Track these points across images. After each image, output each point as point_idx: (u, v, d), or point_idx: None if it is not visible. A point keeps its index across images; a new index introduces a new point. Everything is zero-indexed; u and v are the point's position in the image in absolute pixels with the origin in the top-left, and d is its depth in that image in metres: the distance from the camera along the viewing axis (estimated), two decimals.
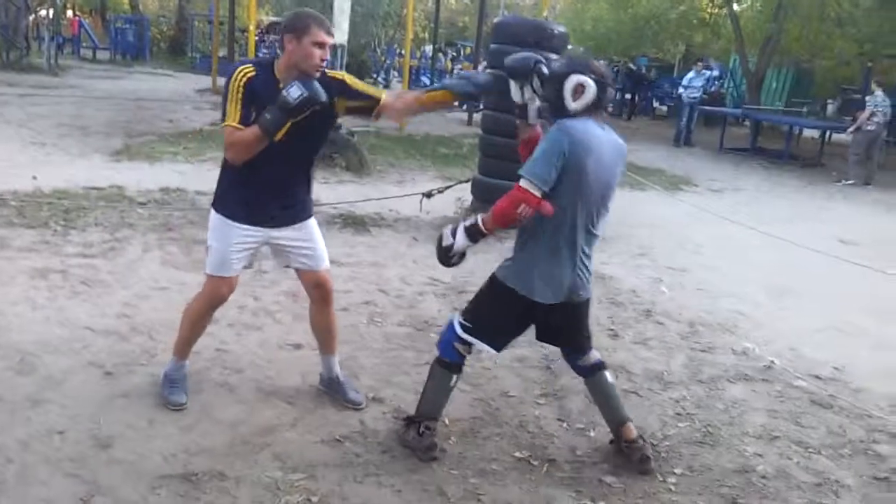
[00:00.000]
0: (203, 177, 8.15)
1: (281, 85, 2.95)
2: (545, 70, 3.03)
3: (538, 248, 3.00)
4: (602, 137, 2.96)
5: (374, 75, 25.68)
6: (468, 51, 30.09)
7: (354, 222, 6.74)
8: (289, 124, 2.94)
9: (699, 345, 4.71)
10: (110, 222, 6.04)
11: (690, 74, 16.77)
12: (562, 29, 7.02)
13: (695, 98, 16.31)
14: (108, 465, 2.91)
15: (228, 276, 3.28)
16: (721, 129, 16.28)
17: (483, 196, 7.09)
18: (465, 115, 16.82)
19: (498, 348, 3.25)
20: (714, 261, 6.79)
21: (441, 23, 28.12)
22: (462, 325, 3.15)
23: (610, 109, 20.14)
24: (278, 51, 3.16)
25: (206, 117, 12.95)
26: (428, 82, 21.72)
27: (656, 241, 7.39)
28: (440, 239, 3.08)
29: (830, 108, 20.47)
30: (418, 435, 3.19)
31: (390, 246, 6.27)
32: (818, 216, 9.75)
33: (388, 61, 27.38)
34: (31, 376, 3.52)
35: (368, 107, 3.21)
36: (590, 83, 2.91)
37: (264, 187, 3.17)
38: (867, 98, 13.24)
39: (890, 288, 6.24)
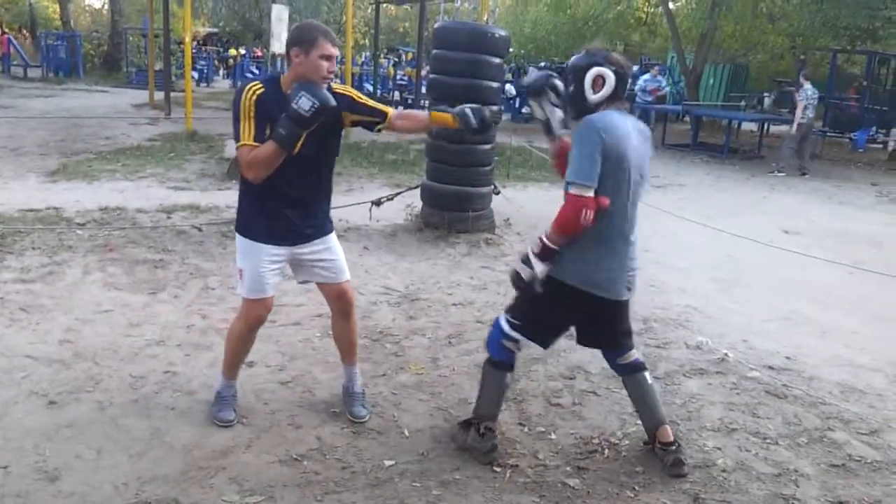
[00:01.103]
0: (143, 193, 7.98)
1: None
2: (559, 83, 3.09)
3: (591, 241, 2.95)
4: (628, 124, 2.97)
5: None
6: (410, 56, 30.09)
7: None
8: (303, 136, 2.93)
9: (654, 341, 4.74)
10: (48, 245, 5.83)
11: (646, 76, 17.11)
12: (502, 32, 7.02)
13: (649, 101, 16.70)
14: (55, 499, 2.80)
15: (265, 298, 3.28)
16: (663, 127, 16.57)
17: (432, 201, 7.06)
18: None
19: (545, 345, 3.26)
20: (663, 257, 6.86)
21: (381, 29, 28.06)
22: (510, 323, 3.14)
23: None
24: (284, 66, 3.20)
25: (144, 133, 12.67)
26: (370, 89, 21.62)
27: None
28: (517, 276, 3.05)
29: (767, 101, 20.99)
30: (479, 436, 3.22)
31: None
32: (761, 207, 9.96)
33: None
34: None
35: (374, 122, 3.30)
36: (609, 74, 2.93)
37: (287, 205, 3.17)
38: (798, 92, 13.59)
39: (832, 276, 6.39)
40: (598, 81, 2.94)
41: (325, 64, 2.99)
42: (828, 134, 17.16)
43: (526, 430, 3.54)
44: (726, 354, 4.55)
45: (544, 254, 2.96)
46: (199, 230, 6.53)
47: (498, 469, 3.19)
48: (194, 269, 5.51)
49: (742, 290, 6.05)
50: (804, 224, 8.92)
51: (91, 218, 6.76)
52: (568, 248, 2.96)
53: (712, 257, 6.93)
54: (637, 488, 3.09)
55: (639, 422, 3.63)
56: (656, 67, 18.00)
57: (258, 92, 2.98)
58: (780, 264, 6.65)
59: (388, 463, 3.17)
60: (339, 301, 3.46)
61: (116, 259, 5.61)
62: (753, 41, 21.20)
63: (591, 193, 2.82)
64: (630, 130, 2.96)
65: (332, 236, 3.41)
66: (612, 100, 2.97)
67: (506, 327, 3.16)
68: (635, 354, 3.31)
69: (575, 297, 3.00)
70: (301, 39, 2.97)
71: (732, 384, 4.17)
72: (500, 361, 3.22)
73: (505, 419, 3.61)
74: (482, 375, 3.29)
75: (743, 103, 19.15)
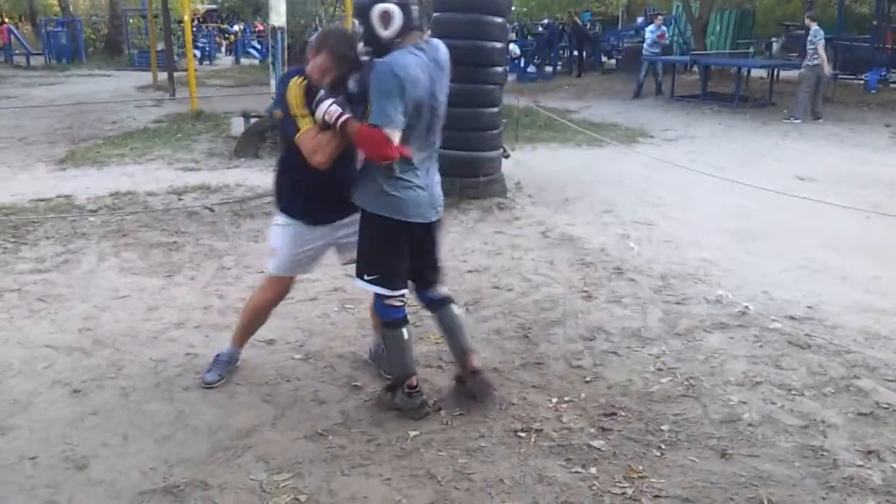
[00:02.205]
0: (153, 176, 7.97)
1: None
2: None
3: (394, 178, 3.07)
4: (421, 59, 2.99)
5: None
6: None
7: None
8: None
9: (673, 297, 4.71)
10: (61, 234, 5.84)
11: (651, 27, 16.83)
12: None
13: (656, 52, 16.43)
14: (85, 487, 2.82)
15: (291, 277, 3.44)
16: (671, 78, 16.34)
17: (441, 168, 6.97)
18: None
19: (404, 286, 3.28)
20: (677, 211, 6.80)
21: None
22: (368, 282, 3.22)
23: (559, 68, 20.15)
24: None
25: (150, 115, 12.63)
26: None
27: (618, 196, 7.38)
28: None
29: (775, 47, 20.65)
30: (406, 396, 3.30)
31: None
32: (774, 155, 9.83)
33: None
34: None
35: None
36: (394, 8, 2.94)
37: (325, 182, 3.19)
38: (808, 33, 13.31)
39: (849, 222, 6.31)
40: (385, 17, 2.94)
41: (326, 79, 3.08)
42: (839, 76, 16.86)
43: (548, 393, 3.53)
44: (746, 307, 4.51)
45: (340, 124, 2.97)
46: (211, 210, 6.53)
47: (522, 434, 3.18)
48: (208, 250, 5.50)
49: (758, 240, 5.99)
50: (819, 170, 8.80)
51: (102, 204, 6.76)
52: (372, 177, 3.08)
53: (726, 209, 6.85)
54: (663, 447, 3.08)
55: (662, 380, 3.64)
56: (659, 17, 17.68)
57: (303, 83, 3.05)
58: (795, 212, 6.57)
59: (412, 433, 3.17)
60: None
61: (130, 244, 5.62)
62: None
63: (397, 138, 2.90)
64: (422, 68, 2.97)
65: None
66: (406, 32, 2.97)
67: (371, 287, 3.22)
68: (444, 289, 3.46)
69: (399, 228, 3.12)
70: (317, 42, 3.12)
71: (754, 336, 4.13)
72: (391, 320, 3.25)
73: (527, 384, 3.61)
74: (383, 340, 3.39)
75: (751, 50, 18.84)
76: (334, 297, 4.67)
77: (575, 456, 3.03)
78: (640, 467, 2.93)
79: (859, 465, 2.95)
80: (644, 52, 16.56)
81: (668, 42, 17.74)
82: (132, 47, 25.33)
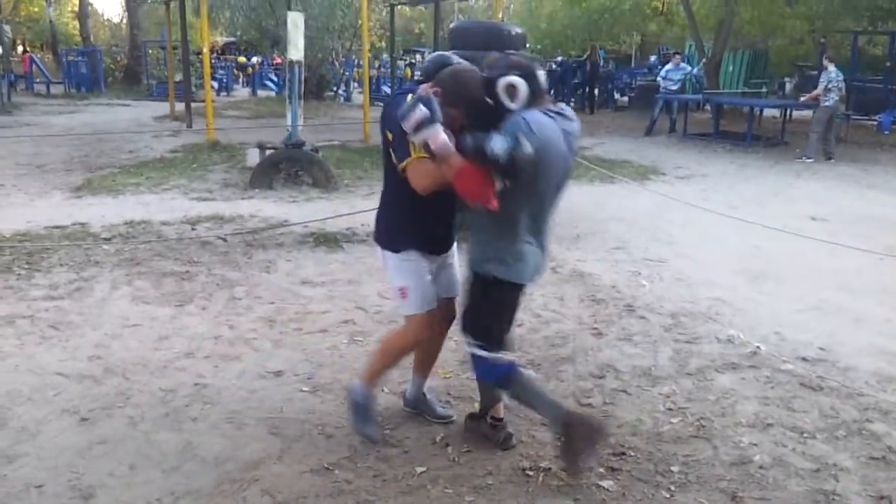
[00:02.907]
0: (167, 206, 8.04)
1: None
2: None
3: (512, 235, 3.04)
4: (552, 123, 2.94)
5: (335, 88, 25.56)
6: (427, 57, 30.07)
7: (326, 240, 6.64)
8: None
9: (684, 336, 4.68)
10: (75, 261, 5.88)
11: (668, 66, 16.96)
12: (518, 29, 6.98)
13: (674, 90, 16.55)
14: None
15: (432, 311, 3.24)
16: (684, 117, 16.40)
17: None
18: None
19: (499, 351, 3.18)
20: (689, 249, 6.79)
21: (397, 31, 28.07)
22: (482, 347, 3.12)
23: (572, 104, 20.28)
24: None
25: (167, 145, 12.77)
26: (388, 91, 21.62)
27: (630, 233, 7.37)
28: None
29: (788, 87, 20.71)
30: (492, 429, 3.34)
31: (365, 261, 6.18)
32: (787, 195, 9.81)
33: (346, 73, 27.27)
34: (3, 430, 3.39)
35: None
36: (518, 80, 2.88)
37: (436, 213, 3.13)
38: (821, 74, 13.36)
39: (862, 263, 6.28)
40: (512, 91, 2.88)
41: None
42: (852, 117, 16.86)
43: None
44: (758, 347, 4.48)
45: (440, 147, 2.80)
46: (224, 240, 6.57)
47: (531, 473, 3.16)
48: (220, 280, 5.53)
49: (771, 280, 5.96)
50: (832, 210, 8.77)
51: (117, 232, 6.82)
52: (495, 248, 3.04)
53: (739, 248, 6.83)
54: (673, 488, 3.04)
55: (672, 420, 3.61)
56: (677, 56, 17.80)
57: None
58: (808, 253, 6.54)
59: (419, 469, 3.16)
60: (448, 312, 3.41)
61: (143, 272, 5.65)
62: (772, 26, 20.85)
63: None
64: (552, 131, 2.91)
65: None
66: (535, 101, 2.92)
67: (479, 352, 3.12)
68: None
69: (514, 290, 3.12)
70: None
71: (766, 377, 4.10)
72: (506, 375, 3.14)
73: (535, 420, 3.58)
74: (517, 399, 3.24)
75: (764, 89, 18.90)
76: (344, 329, 4.67)
77: (583, 496, 3.00)
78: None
79: None
80: (661, 89, 16.63)
81: (694, 74, 17.81)
82: (151, 78, 25.68)
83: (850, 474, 3.17)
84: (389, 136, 3.02)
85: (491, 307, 3.12)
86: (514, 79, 2.88)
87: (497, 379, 3.17)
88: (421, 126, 2.75)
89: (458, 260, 3.39)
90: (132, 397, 3.73)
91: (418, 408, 3.61)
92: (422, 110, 2.74)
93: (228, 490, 3.00)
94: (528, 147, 2.73)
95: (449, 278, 3.37)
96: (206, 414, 3.59)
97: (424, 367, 3.58)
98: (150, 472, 3.10)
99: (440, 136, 2.77)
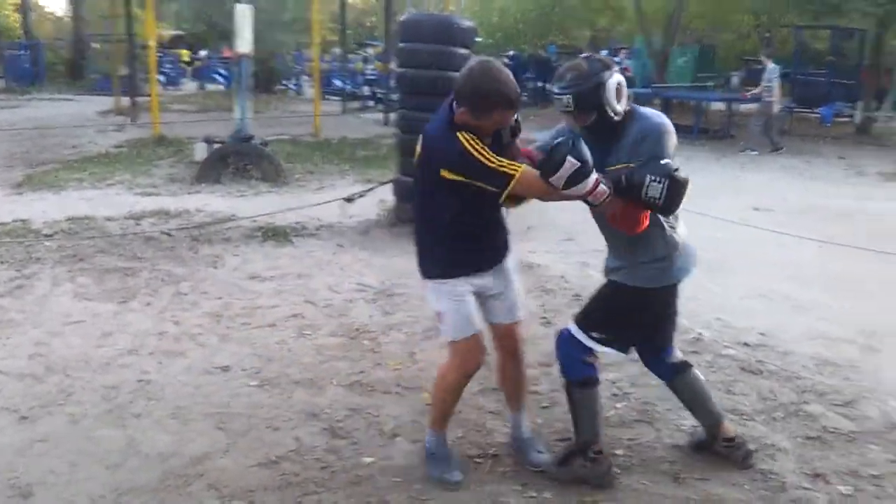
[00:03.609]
0: (111, 201, 7.89)
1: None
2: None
3: (661, 241, 2.88)
4: None
5: (285, 82, 25.29)
6: (379, 50, 29.92)
7: (275, 234, 6.58)
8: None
9: None
10: (16, 258, 5.74)
11: (616, 59, 17.17)
12: (468, 23, 7.00)
13: None
14: None
15: (476, 334, 2.96)
16: None
17: (405, 196, 7.02)
18: (381, 116, 16.72)
19: (627, 350, 3.08)
20: None
21: (348, 24, 27.88)
22: (595, 339, 2.92)
23: (524, 99, 20.37)
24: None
25: (111, 140, 12.51)
26: (340, 84, 21.48)
27: (579, 225, 7.42)
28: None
29: (735, 81, 21.09)
30: (590, 462, 2.99)
31: (315, 255, 6.15)
32: (732, 187, 10.02)
33: (297, 67, 27.01)
34: None
35: None
36: (621, 77, 2.69)
37: (474, 232, 2.90)
38: (764, 71, 13.67)
39: (804, 252, 6.45)
40: (621, 90, 2.68)
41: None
42: (795, 110, 17.29)
43: (505, 420, 3.52)
44: (701, 333, 4.58)
45: (600, 195, 2.61)
46: (169, 235, 6.47)
47: (479, 460, 3.19)
48: (165, 276, 5.44)
49: (715, 269, 6.06)
50: (776, 201, 8.99)
51: (59, 228, 6.66)
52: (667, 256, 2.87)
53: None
54: (618, 471, 3.09)
55: (617, 405, 3.67)
56: (623, 51, 18.10)
57: (476, 140, 2.66)
58: (752, 242, 6.70)
59: (367, 460, 3.16)
60: (507, 339, 3.13)
61: (86, 269, 5.53)
62: (719, 21, 21.32)
63: None
64: None
65: (508, 263, 3.07)
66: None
67: (588, 342, 2.92)
68: (679, 353, 3.19)
69: (672, 293, 2.98)
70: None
71: (707, 363, 4.19)
72: (587, 379, 2.97)
73: (485, 410, 3.61)
74: (571, 402, 3.02)
75: (711, 83, 19.24)
76: (293, 323, 4.64)
77: (531, 481, 3.03)
78: (595, 492, 2.94)
79: (806, 488, 3.00)
80: None
81: (631, 75, 18.05)
82: (95, 72, 25.08)
83: (787, 454, 3.26)
84: (449, 175, 2.67)
85: (628, 313, 2.95)
86: (619, 77, 2.68)
87: (573, 374, 2.97)
88: (574, 181, 2.52)
89: (517, 278, 3.11)
90: (74, 394, 3.65)
91: (516, 449, 3.24)
92: (571, 163, 2.48)
93: (173, 485, 2.96)
94: (683, 174, 2.59)
95: (505, 301, 3.04)
96: (149, 410, 3.54)
97: (508, 400, 3.26)
98: (93, 469, 3.05)
99: (599, 187, 2.56)
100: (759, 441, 3.35)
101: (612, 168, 2.71)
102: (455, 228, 2.84)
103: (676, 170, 2.60)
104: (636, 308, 2.92)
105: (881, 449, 3.32)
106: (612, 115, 2.69)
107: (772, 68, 13.18)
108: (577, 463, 3.00)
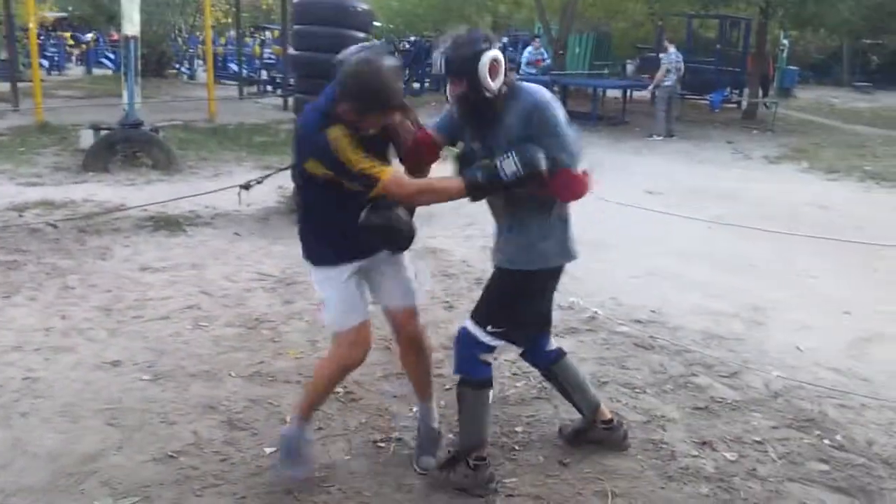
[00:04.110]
0: None
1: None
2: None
3: (556, 217, 2.84)
4: None
5: (177, 66, 24.44)
6: (276, 34, 29.30)
7: (168, 223, 6.37)
8: None
9: None
10: None
11: (529, 49, 17.45)
12: (365, 6, 6.93)
13: (533, 73, 17.01)
14: None
15: (359, 325, 2.85)
16: None
17: None
18: (279, 101, 16.41)
19: (528, 343, 3.01)
20: None
21: (244, 6, 27.18)
22: (490, 333, 2.81)
23: (426, 85, 20.26)
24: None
25: None
26: (236, 69, 20.91)
27: (481, 211, 7.50)
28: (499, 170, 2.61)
29: (630, 68, 21.77)
30: (471, 470, 2.85)
31: (210, 244, 5.99)
32: (627, 171, 10.33)
33: (190, 50, 26.14)
34: None
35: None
36: (499, 54, 2.59)
37: (352, 219, 2.73)
38: (661, 56, 14.16)
39: (692, 232, 6.73)
40: (495, 67, 2.58)
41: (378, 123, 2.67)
42: (686, 96, 17.98)
43: (408, 403, 3.55)
44: (596, 312, 4.73)
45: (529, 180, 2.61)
46: (55, 227, 6.17)
47: (382, 444, 3.20)
48: (51, 269, 5.19)
49: (609, 250, 6.28)
50: (667, 184, 9.34)
51: None
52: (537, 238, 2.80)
53: (580, 221, 7.03)
54: (517, 448, 3.17)
55: (517, 384, 3.74)
56: (537, 40, 18.44)
57: (348, 136, 2.58)
58: (644, 224, 6.93)
59: (268, 450, 3.11)
60: (406, 326, 3.02)
61: None
62: (614, 9, 21.86)
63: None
64: None
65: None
66: (507, 78, 2.66)
67: (485, 338, 2.81)
68: (553, 339, 3.17)
69: (550, 277, 2.88)
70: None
71: (603, 340, 4.34)
72: (483, 380, 2.86)
73: (387, 393, 3.63)
74: (460, 402, 2.89)
75: (607, 71, 19.77)
76: (188, 314, 4.52)
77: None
78: (496, 468, 3.00)
79: (694, 456, 3.15)
80: (521, 71, 17.06)
81: (545, 64, 18.27)
82: None
83: (677, 424, 3.42)
84: (314, 168, 2.64)
85: (518, 298, 2.86)
86: (497, 53, 2.58)
87: (466, 371, 2.87)
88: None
89: (410, 263, 3.03)
90: None
91: (418, 441, 3.15)
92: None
93: (64, 484, 2.85)
94: (541, 160, 2.55)
95: (399, 285, 2.97)
96: (36, 408, 3.38)
97: (417, 391, 3.17)
98: None
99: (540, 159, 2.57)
100: (649, 413, 3.50)
101: (498, 146, 2.67)
102: (328, 217, 2.80)
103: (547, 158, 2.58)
104: (523, 293, 2.85)
105: (763, 416, 3.53)
106: (484, 90, 2.59)
107: (672, 52, 13.67)
108: (459, 470, 2.88)
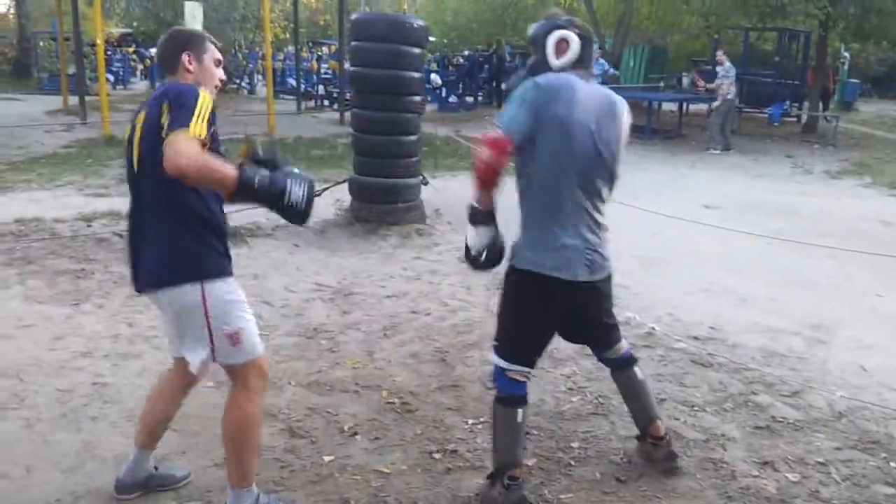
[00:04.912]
0: (61, 202, 7.74)
1: None
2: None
3: (537, 218, 2.75)
4: (585, 88, 2.69)
5: (237, 81, 25.02)
6: (333, 49, 29.80)
7: (230, 235, 6.51)
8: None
9: None
10: None
11: (601, 61, 17.38)
12: (420, 22, 7.04)
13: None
14: None
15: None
16: None
17: (361, 195, 7.04)
18: (336, 115, 16.66)
19: (532, 364, 2.89)
20: None
21: (301, 22, 27.70)
22: (495, 351, 2.84)
23: (480, 98, 20.37)
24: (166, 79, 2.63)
25: (60, 140, 12.25)
26: (294, 84, 21.33)
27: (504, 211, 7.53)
28: (465, 253, 2.81)
29: (685, 81, 21.52)
30: (504, 489, 2.82)
31: (271, 255, 6.12)
32: (682, 185, 10.24)
33: (250, 66, 26.75)
34: None
35: None
36: (573, 37, 2.71)
37: (223, 233, 2.62)
38: (718, 69, 13.97)
39: (751, 247, 6.63)
40: (562, 45, 2.71)
41: (218, 71, 2.68)
42: (744, 109, 17.70)
43: (463, 415, 3.58)
44: (653, 328, 4.69)
45: (471, 217, 2.72)
46: (121, 237, 6.36)
47: (437, 455, 3.22)
48: (118, 278, 5.36)
49: (666, 265, 6.22)
50: (724, 198, 9.21)
51: (7, 231, 6.51)
52: (520, 233, 2.79)
53: (637, 236, 7.08)
54: (573, 463, 3.16)
55: (573, 399, 3.74)
56: (600, 50, 18.34)
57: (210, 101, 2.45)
58: (701, 239, 6.86)
59: (326, 459, 3.17)
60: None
61: (37, 271, 5.43)
62: (669, 22, 21.71)
63: (503, 138, 2.57)
64: (587, 94, 2.66)
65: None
66: (577, 66, 2.73)
67: (491, 356, 2.88)
68: (624, 347, 3.11)
69: (531, 287, 2.73)
70: (191, 42, 2.59)
71: (660, 356, 4.30)
72: (509, 396, 2.84)
73: (442, 405, 3.65)
74: (493, 416, 2.90)
75: (662, 84, 19.59)
76: None
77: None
78: (552, 484, 3.00)
79: (755, 476, 3.10)
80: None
81: (611, 75, 18.16)
82: (42, 70, 24.51)
83: (737, 443, 3.37)
84: (164, 109, 2.36)
85: (509, 306, 2.88)
86: (571, 34, 2.71)
87: (501, 393, 2.87)
88: None
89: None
90: (27, 398, 3.59)
91: (150, 485, 2.87)
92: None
93: None
94: (298, 194, 2.42)
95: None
96: (105, 413, 3.50)
97: (155, 436, 2.90)
98: (48, 473, 3.01)
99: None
100: (709, 431, 3.46)
101: None
102: (203, 215, 2.53)
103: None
104: (510, 295, 2.83)
105: (826, 437, 3.45)
106: (548, 62, 2.73)
107: (728, 66, 13.50)
108: (496, 488, 2.85)
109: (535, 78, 2.68)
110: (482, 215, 2.73)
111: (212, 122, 2.40)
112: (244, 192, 2.38)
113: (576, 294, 2.78)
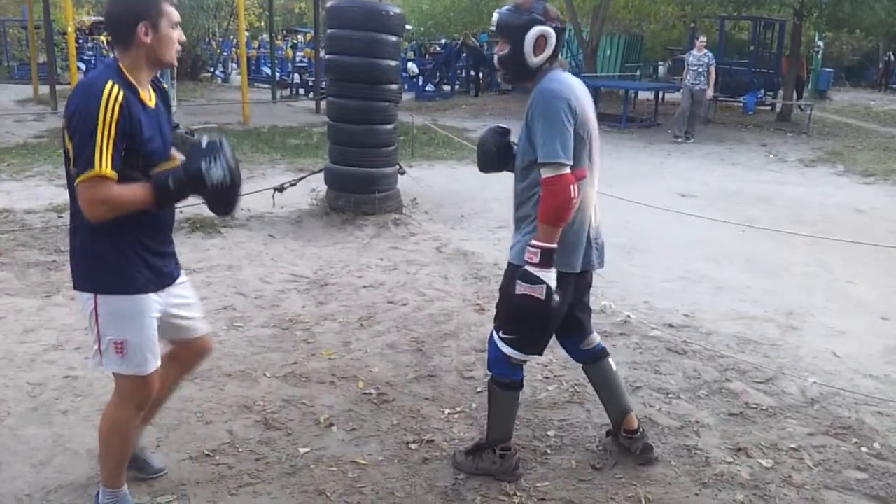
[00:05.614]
0: (32, 193, 7.62)
1: (143, 93, 2.36)
2: None
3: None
4: (576, 83, 2.70)
5: (211, 69, 24.76)
6: (309, 37, 29.56)
7: (203, 225, 6.45)
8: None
9: None
10: None
11: None
12: (397, 10, 6.98)
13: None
14: None
15: (157, 369, 2.56)
16: None
17: (336, 184, 6.99)
18: (312, 104, 16.55)
19: (541, 352, 2.92)
20: None
21: (277, 10, 27.43)
22: (504, 341, 2.83)
23: (457, 87, 20.32)
24: (115, 51, 2.39)
25: (30, 130, 12.05)
26: (269, 72, 21.15)
27: (511, 213, 7.53)
28: (526, 298, 2.61)
29: (661, 70, 21.64)
30: (498, 458, 2.94)
31: (245, 246, 6.07)
32: (658, 174, 10.28)
33: (224, 54, 26.47)
34: None
35: None
36: (551, 33, 2.63)
37: (160, 233, 2.52)
38: (689, 57, 13.99)
39: (725, 235, 6.68)
40: (541, 42, 2.62)
41: (176, 33, 2.41)
42: (719, 98, 17.82)
43: (440, 405, 3.57)
44: (629, 316, 4.71)
45: (547, 258, 2.60)
46: None
47: (414, 446, 3.21)
48: None
49: (642, 254, 6.25)
50: (699, 187, 9.27)
51: None
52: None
53: (613, 224, 7.04)
54: (549, 451, 3.17)
55: (549, 388, 3.75)
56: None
57: (119, 98, 2.22)
58: (676, 227, 6.90)
59: (302, 450, 3.15)
60: (200, 354, 2.86)
61: (5, 263, 5.34)
62: (646, 11, 21.74)
63: (567, 170, 2.55)
64: (583, 94, 2.69)
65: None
66: (552, 60, 2.69)
67: (500, 343, 2.84)
68: (597, 339, 3.12)
69: (560, 286, 2.69)
70: (146, 10, 2.32)
71: (635, 344, 4.32)
72: (512, 382, 2.90)
73: (419, 395, 3.65)
74: (491, 399, 2.95)
75: (638, 73, 19.66)
76: (223, 315, 4.58)
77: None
78: (528, 472, 3.01)
79: (729, 462, 3.13)
80: None
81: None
82: (12, 59, 24.07)
83: (711, 430, 3.39)
84: (69, 144, 2.25)
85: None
86: (549, 30, 2.62)
87: (496, 371, 2.90)
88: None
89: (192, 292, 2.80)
90: None
91: (130, 467, 2.82)
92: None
93: None
94: (217, 173, 2.34)
95: (196, 311, 2.78)
96: (76, 406, 3.45)
97: (145, 418, 2.88)
98: (19, 467, 2.96)
99: None
100: (683, 418, 3.48)
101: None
102: (128, 224, 2.39)
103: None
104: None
105: (799, 423, 3.49)
106: (525, 59, 2.65)
107: (698, 54, 13.55)
108: (487, 457, 2.96)
109: (554, 90, 2.60)
110: (554, 254, 2.63)
111: (123, 132, 2.23)
112: (165, 197, 2.35)
113: (583, 281, 2.90)
